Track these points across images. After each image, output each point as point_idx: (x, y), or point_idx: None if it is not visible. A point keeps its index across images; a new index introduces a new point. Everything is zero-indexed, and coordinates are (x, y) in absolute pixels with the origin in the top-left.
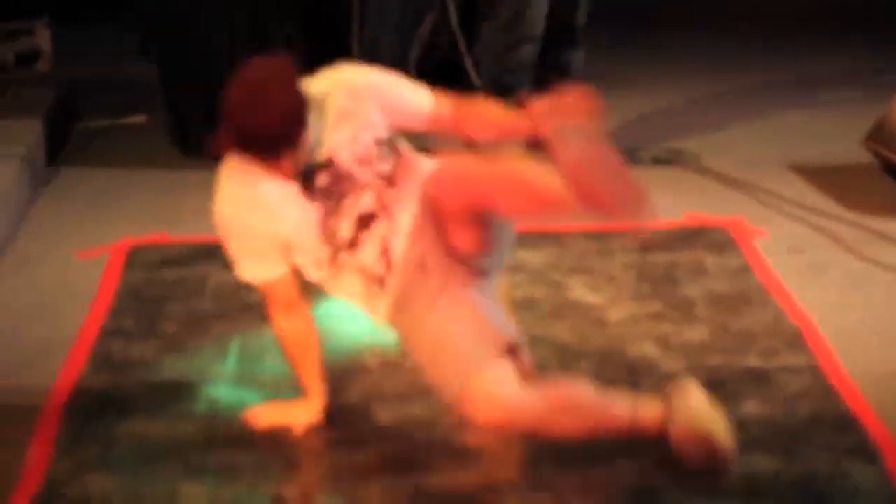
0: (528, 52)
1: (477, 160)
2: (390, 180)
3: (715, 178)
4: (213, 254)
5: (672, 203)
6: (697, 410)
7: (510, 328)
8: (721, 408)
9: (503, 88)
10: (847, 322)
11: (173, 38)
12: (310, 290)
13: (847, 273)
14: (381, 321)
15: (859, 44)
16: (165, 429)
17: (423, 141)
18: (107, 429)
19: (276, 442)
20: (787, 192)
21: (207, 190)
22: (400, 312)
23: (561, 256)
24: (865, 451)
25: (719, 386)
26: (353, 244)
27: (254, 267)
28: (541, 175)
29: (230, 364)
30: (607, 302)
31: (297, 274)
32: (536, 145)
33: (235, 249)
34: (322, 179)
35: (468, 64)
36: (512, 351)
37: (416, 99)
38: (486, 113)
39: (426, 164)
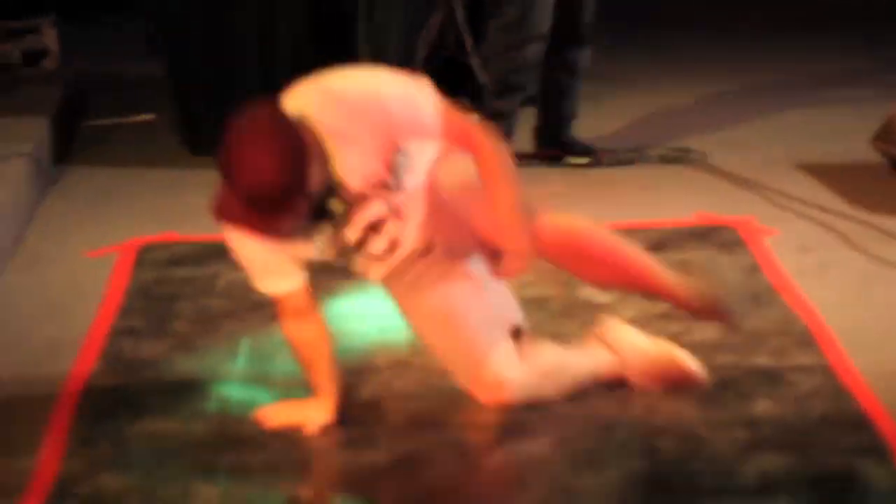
0: (534, 51)
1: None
2: (405, 193)
3: (724, 178)
4: (223, 252)
5: (681, 202)
6: (642, 345)
7: (514, 307)
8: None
9: (509, 87)
10: (857, 320)
11: (182, 36)
12: (320, 291)
13: (857, 272)
14: (376, 281)
15: (867, 43)
16: (177, 428)
17: None
18: (118, 428)
19: (288, 441)
20: (797, 192)
21: (216, 188)
22: (406, 289)
23: None
24: (877, 449)
25: (730, 386)
26: (360, 244)
27: (267, 281)
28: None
29: (241, 363)
30: (617, 301)
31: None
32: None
33: (247, 267)
34: (334, 205)
35: (475, 63)
36: (516, 332)
37: (420, 120)
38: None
39: (447, 172)
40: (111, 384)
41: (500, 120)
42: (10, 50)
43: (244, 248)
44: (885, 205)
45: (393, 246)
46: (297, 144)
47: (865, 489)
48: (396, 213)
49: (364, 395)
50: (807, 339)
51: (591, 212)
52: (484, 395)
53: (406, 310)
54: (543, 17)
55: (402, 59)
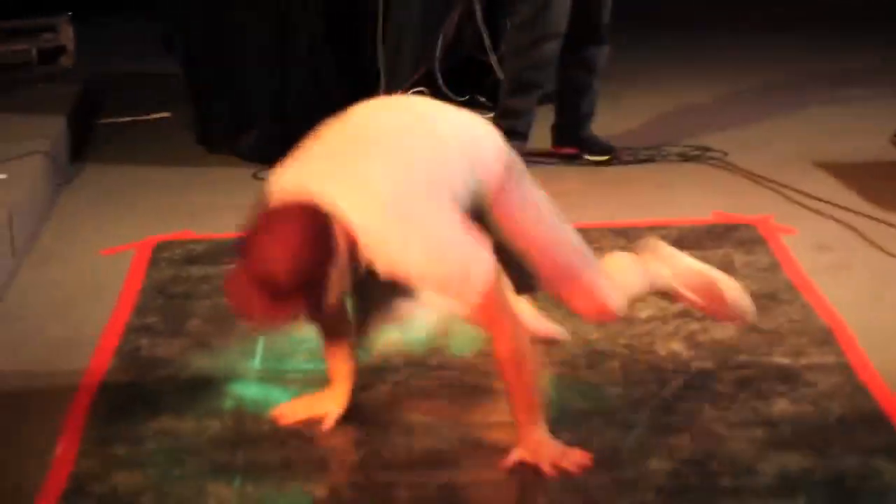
0: (551, 49)
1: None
2: None
3: (742, 176)
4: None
5: (700, 200)
6: (692, 263)
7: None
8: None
9: (525, 85)
10: (876, 319)
11: (197, 34)
12: None
13: (876, 270)
14: None
15: (887, 40)
16: (192, 426)
17: None
18: (134, 426)
19: (304, 440)
20: (814, 190)
21: (232, 186)
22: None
23: None
24: None
25: (749, 384)
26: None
27: None
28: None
29: (256, 361)
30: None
31: None
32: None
33: None
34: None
35: (493, 60)
36: None
37: (464, 292)
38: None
39: None
40: (126, 382)
41: (514, 118)
42: (26, 48)
43: None
44: None
45: None
46: (318, 258)
47: (884, 488)
48: None
49: (381, 393)
50: (825, 338)
51: (609, 210)
52: (591, 313)
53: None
54: (559, 15)
55: (420, 58)
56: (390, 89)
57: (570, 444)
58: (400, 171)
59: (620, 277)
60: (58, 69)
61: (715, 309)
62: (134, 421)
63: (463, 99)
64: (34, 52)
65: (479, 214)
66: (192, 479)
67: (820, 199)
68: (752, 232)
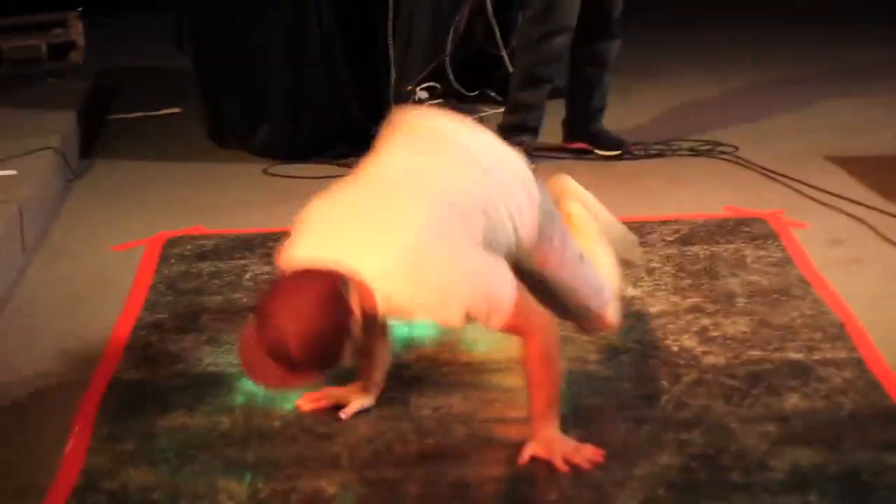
0: (560, 43)
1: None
2: None
3: (754, 170)
4: (250, 246)
5: (711, 195)
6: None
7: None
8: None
9: (535, 79)
10: (888, 314)
11: (209, 30)
12: None
13: (888, 264)
14: None
15: None
16: (203, 423)
17: None
18: (144, 422)
19: (315, 435)
20: (827, 184)
21: (242, 182)
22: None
23: None
24: None
25: (760, 380)
26: None
27: None
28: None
29: None
30: (647, 294)
31: None
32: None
33: None
34: None
35: (504, 54)
36: None
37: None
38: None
39: None
40: (137, 379)
41: (524, 112)
42: (36, 43)
43: None
44: None
45: None
46: (334, 332)
47: None
48: None
49: (393, 389)
50: (837, 333)
51: (620, 204)
52: (596, 331)
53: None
54: (569, 8)
55: (431, 53)
56: (401, 84)
57: (581, 439)
58: (419, 215)
59: (610, 278)
60: (68, 65)
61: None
62: (144, 417)
63: (473, 94)
64: (44, 47)
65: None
66: (202, 475)
67: (832, 194)
68: (764, 227)
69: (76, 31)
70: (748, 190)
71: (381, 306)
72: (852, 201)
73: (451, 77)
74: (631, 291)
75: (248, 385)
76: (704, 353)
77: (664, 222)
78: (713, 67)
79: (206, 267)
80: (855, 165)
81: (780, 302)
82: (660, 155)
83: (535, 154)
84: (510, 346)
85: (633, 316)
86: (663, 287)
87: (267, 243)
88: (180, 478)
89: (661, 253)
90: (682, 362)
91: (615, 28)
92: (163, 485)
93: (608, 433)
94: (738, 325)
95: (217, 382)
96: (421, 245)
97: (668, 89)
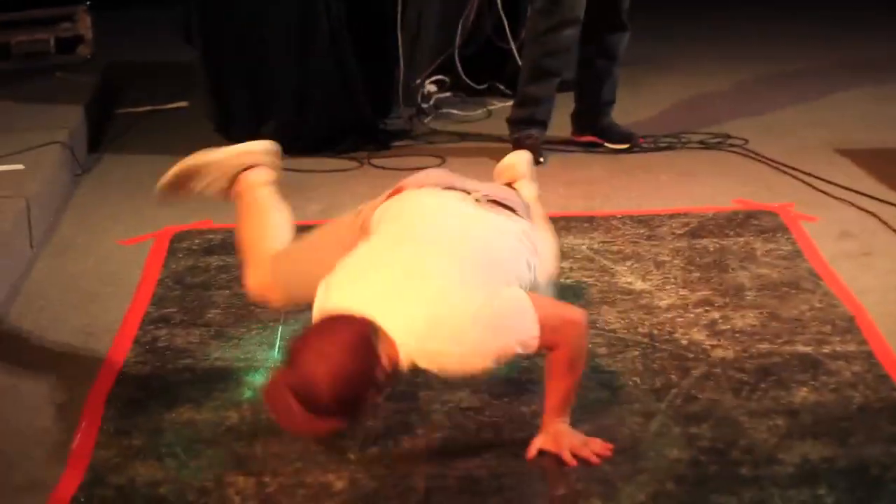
0: (569, 35)
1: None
2: None
3: (763, 163)
4: None
5: (721, 188)
6: None
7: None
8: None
9: (543, 72)
10: None
11: (216, 23)
12: None
13: None
14: None
15: None
16: (211, 417)
17: None
18: (152, 417)
19: None
20: (837, 177)
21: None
22: None
23: (609, 242)
24: None
25: (770, 373)
26: None
27: None
28: None
29: (275, 351)
30: (656, 288)
31: None
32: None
33: None
34: None
35: (513, 47)
36: None
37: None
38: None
39: None
40: (144, 373)
41: (533, 105)
42: (44, 37)
43: None
44: None
45: None
46: (362, 382)
47: None
48: None
49: (400, 384)
50: (847, 326)
51: (630, 197)
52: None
53: None
54: (577, 1)
55: (439, 46)
56: (410, 77)
57: (590, 433)
58: (449, 272)
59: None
60: (76, 59)
61: None
62: (152, 412)
63: (482, 87)
64: (52, 41)
65: None
66: (210, 470)
67: (842, 187)
68: (774, 219)
69: (84, 25)
70: (758, 183)
71: (404, 360)
72: (862, 194)
73: (460, 70)
74: (640, 285)
75: (256, 379)
76: (713, 346)
77: (673, 215)
78: (723, 60)
79: (214, 261)
80: (865, 158)
81: (790, 295)
82: (669, 148)
83: (544, 147)
84: None
85: (643, 309)
86: (672, 280)
87: None
88: (188, 472)
89: (671, 246)
90: (690, 356)
91: (625, 20)
92: (170, 479)
93: (617, 427)
94: (747, 319)
95: (225, 377)
96: (447, 303)
97: (678, 82)
